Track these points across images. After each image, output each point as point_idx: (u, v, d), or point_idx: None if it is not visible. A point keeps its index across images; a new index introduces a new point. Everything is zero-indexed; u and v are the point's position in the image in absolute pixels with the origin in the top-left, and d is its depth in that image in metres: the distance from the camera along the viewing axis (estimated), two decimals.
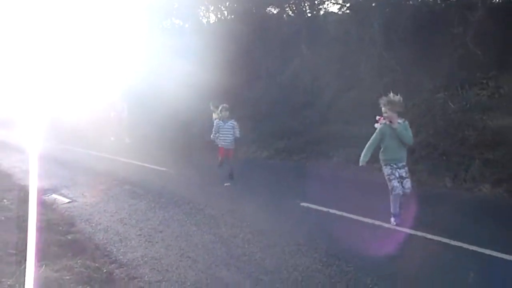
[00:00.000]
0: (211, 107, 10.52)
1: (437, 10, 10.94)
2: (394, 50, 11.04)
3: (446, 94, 9.50)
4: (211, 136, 9.05)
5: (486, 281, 4.28)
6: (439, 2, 11.16)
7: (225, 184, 8.34)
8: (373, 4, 11.96)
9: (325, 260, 4.85)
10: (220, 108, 8.82)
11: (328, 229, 5.83)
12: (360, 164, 5.94)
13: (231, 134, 8.67)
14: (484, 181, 7.42)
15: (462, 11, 9.87)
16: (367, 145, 6.01)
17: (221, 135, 8.66)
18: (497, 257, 4.74)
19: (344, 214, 6.29)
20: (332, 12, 14.15)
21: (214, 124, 9.08)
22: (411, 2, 11.77)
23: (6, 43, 18.74)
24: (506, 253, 4.78)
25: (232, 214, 6.56)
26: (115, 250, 5.41)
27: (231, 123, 8.70)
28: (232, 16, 16.19)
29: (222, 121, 8.68)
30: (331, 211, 6.47)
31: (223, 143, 8.72)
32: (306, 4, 14.18)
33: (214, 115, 10.06)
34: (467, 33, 9.84)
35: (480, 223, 5.95)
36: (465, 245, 5.04)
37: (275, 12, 15.36)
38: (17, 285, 3.94)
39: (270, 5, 15.20)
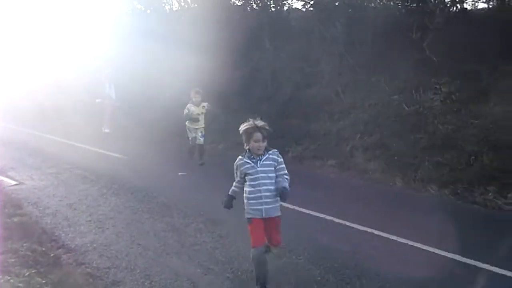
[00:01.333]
0: (193, 95, 8.97)
1: (397, 15, 11.21)
2: (354, 51, 11.25)
3: (402, 96, 9.76)
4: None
5: (426, 276, 4.47)
6: (399, 7, 11.43)
7: (179, 173, 8.27)
8: (337, 4, 12.10)
9: (276, 252, 4.91)
10: (247, 126, 4.02)
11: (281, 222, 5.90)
12: None
13: (272, 184, 4.10)
14: (431, 182, 7.69)
15: (421, 18, 10.15)
16: None
17: (251, 188, 4.08)
18: (436, 253, 4.98)
19: (296, 208, 6.37)
20: (296, 8, 14.26)
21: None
22: (373, 5, 12.00)
23: None
24: (444, 250, 5.03)
25: (186, 203, 6.54)
26: (63, 235, 5.31)
27: (271, 156, 4.11)
28: (196, 5, 16.03)
29: (251, 155, 4.09)
30: (284, 205, 6.49)
31: (258, 208, 4.07)
32: None
33: (193, 107, 8.91)
34: (424, 39, 10.13)
35: (425, 222, 6.17)
36: (410, 242, 5.24)
37: (239, 4, 15.31)
38: None
39: None
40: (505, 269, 4.56)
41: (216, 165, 8.82)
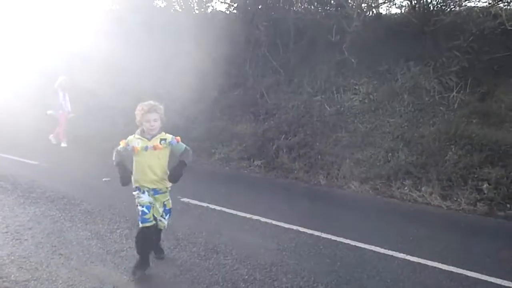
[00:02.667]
0: (140, 116, 4.29)
1: (318, 19, 11.57)
2: (277, 53, 11.49)
3: (323, 97, 10.12)
4: None
5: (350, 269, 4.68)
6: (319, 10, 11.81)
7: (103, 179, 8.03)
8: (260, 7, 12.32)
9: (204, 253, 4.93)
10: None
11: (208, 223, 5.92)
12: None
13: None
14: (353, 179, 8.05)
15: (340, 21, 10.58)
16: None
17: None
18: (358, 246, 5.24)
19: (224, 209, 6.43)
20: (220, 11, 14.32)
21: None
22: (294, 9, 12.31)
23: None
24: (365, 242, 5.31)
25: (110, 209, 6.36)
26: None
27: None
28: (118, 7, 15.67)
29: None
30: (211, 206, 6.56)
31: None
32: (194, 1, 14.18)
33: (137, 141, 4.33)
34: (343, 42, 10.56)
35: (347, 217, 6.46)
36: (334, 237, 5.46)
37: (162, 6, 15.16)
38: None
39: None
40: (420, 257, 4.91)
41: None
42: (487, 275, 4.59)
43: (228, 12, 13.62)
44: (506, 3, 9.61)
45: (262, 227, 5.82)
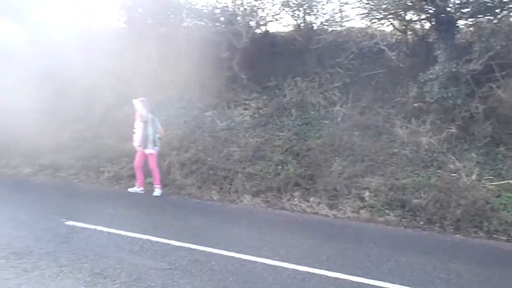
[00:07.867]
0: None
1: (208, 35, 11.64)
2: (168, 68, 11.34)
3: (214, 112, 10.19)
4: None
5: (240, 283, 4.69)
6: (210, 26, 11.89)
7: None
8: (149, 22, 12.12)
9: (89, 279, 4.68)
10: None
11: (95, 247, 5.62)
12: None
13: None
14: (245, 193, 8.15)
15: (230, 38, 10.75)
16: None
17: None
18: (248, 259, 5.28)
19: (112, 230, 6.16)
20: (108, 25, 13.82)
21: None
22: (185, 24, 12.27)
23: None
24: (253, 255, 5.36)
25: None
26: None
27: None
28: None
29: None
30: (99, 228, 6.25)
31: None
32: (78, 14, 13.59)
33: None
34: (233, 58, 10.74)
35: (239, 230, 6.51)
36: (225, 252, 5.48)
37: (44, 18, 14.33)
38: None
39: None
40: (308, 266, 5.07)
41: (20, 191, 8.02)
42: (369, 278, 4.88)
43: (116, 27, 13.22)
44: (380, 25, 10.42)
45: (152, 247, 5.65)
